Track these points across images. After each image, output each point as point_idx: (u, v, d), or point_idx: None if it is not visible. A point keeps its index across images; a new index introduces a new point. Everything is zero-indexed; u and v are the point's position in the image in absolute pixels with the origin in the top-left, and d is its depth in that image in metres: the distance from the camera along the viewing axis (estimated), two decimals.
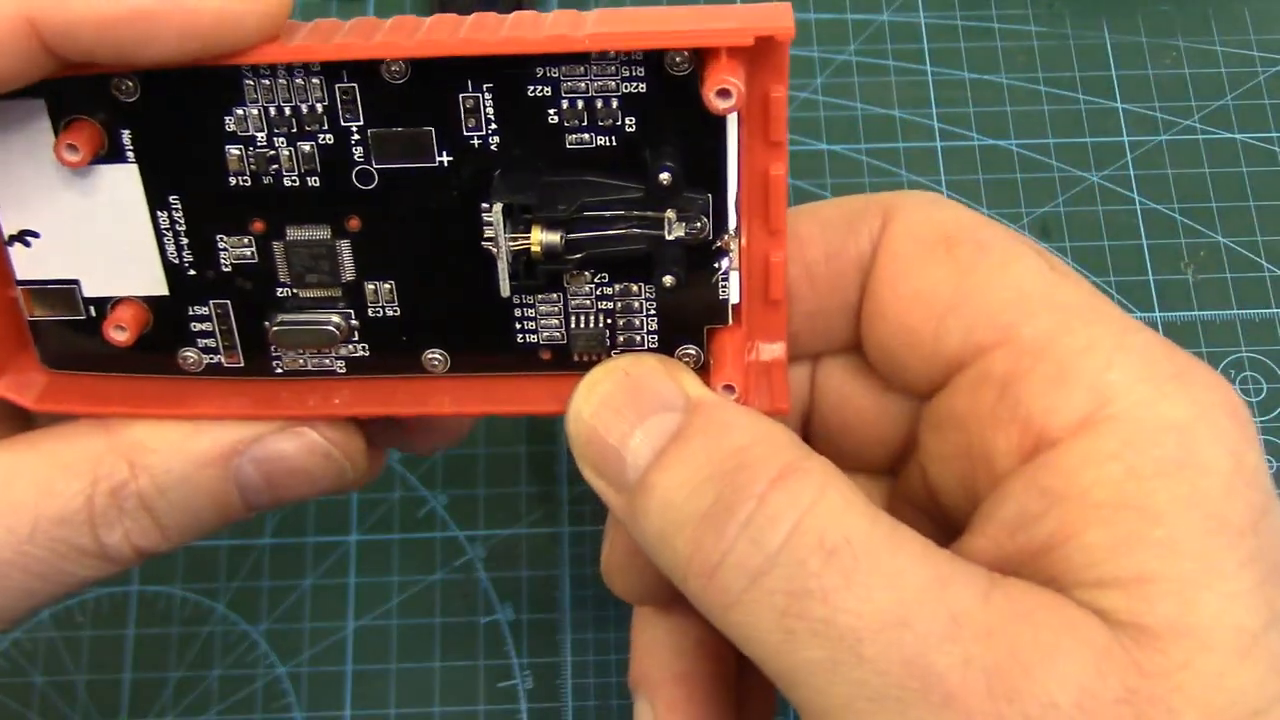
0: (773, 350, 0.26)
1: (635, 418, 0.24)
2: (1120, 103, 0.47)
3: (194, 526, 0.26)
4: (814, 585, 0.20)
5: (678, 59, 0.23)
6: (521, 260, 0.24)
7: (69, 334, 0.26)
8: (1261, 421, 0.43)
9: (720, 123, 0.23)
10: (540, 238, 0.23)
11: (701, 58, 0.23)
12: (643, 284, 0.25)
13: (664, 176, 0.23)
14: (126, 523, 0.25)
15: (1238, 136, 0.47)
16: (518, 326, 0.26)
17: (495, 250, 0.24)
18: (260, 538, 0.42)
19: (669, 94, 0.23)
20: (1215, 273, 0.45)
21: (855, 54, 0.48)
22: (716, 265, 0.24)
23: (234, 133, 0.24)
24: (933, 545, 0.21)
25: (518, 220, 0.24)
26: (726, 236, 0.24)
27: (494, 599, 0.41)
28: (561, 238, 0.24)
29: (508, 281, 0.24)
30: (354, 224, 0.25)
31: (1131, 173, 0.46)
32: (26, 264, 0.25)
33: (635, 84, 0.23)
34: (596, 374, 0.25)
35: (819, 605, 0.20)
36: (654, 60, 0.23)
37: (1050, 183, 0.46)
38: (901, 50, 0.49)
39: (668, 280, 0.24)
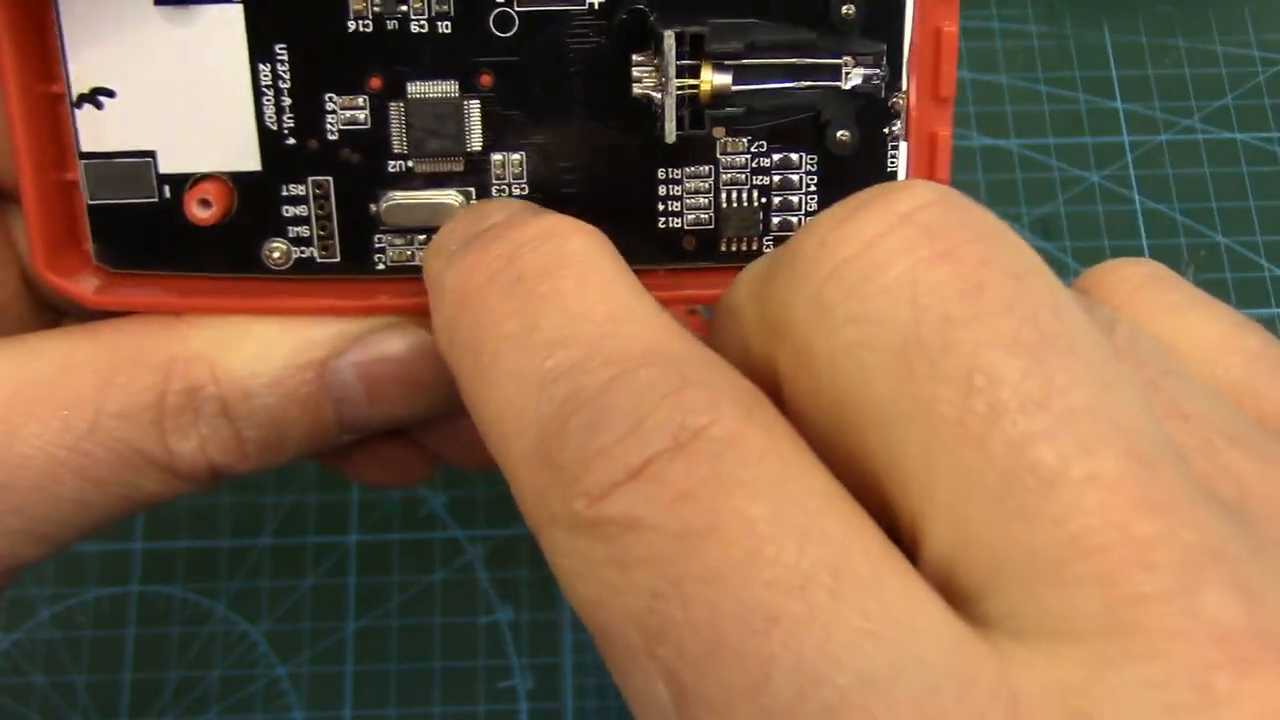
0: None
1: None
2: (1120, 103, 0.47)
3: (277, 444, 0.22)
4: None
5: None
6: (686, 106, 0.21)
7: (134, 222, 0.22)
8: None
9: None
10: (710, 77, 0.21)
11: None
12: (804, 153, 0.22)
13: (846, 8, 0.21)
14: (203, 429, 0.21)
15: (1238, 136, 0.47)
16: (661, 208, 0.23)
17: (662, 87, 0.21)
18: (260, 538, 0.42)
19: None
20: (1215, 273, 0.45)
21: None
22: (887, 130, 0.22)
23: None
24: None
25: (681, 60, 0.21)
26: (900, 95, 0.22)
27: (494, 599, 0.41)
28: (731, 79, 0.21)
29: (673, 125, 0.21)
30: (485, 80, 0.22)
31: (1132, 173, 0.46)
32: (95, 132, 0.22)
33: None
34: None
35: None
36: None
37: (1050, 183, 0.46)
38: None
39: (842, 135, 0.22)
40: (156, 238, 0.23)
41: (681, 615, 0.13)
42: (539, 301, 0.17)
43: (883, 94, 0.22)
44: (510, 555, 0.42)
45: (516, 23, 0.22)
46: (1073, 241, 0.46)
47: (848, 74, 0.22)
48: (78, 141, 0.22)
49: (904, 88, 0.22)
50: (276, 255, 0.23)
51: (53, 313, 0.25)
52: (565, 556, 0.15)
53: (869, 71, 0.22)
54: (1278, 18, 0.49)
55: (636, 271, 0.22)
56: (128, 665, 0.40)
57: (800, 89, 0.22)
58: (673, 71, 0.21)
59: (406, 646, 0.40)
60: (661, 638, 0.13)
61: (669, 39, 0.21)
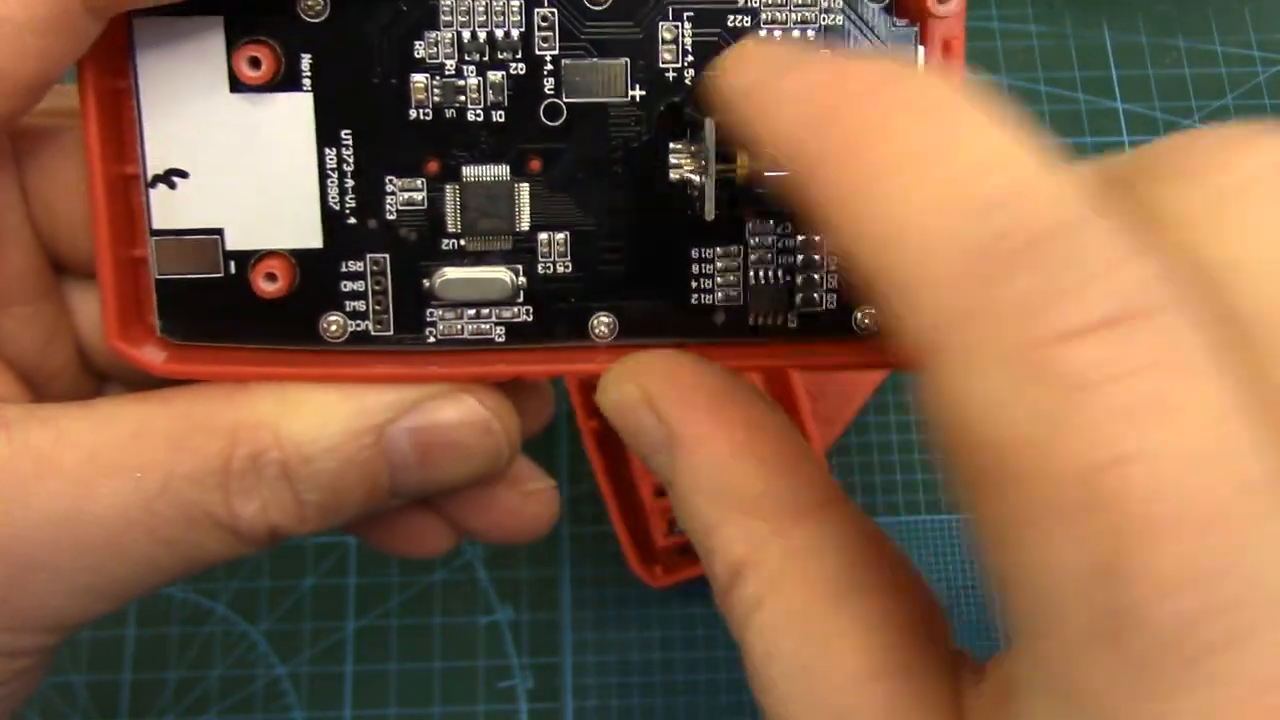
0: None
1: None
2: (1120, 103, 0.47)
3: (335, 507, 0.23)
4: None
5: None
6: (723, 188, 0.23)
7: (199, 296, 0.24)
8: None
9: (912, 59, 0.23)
10: (748, 163, 0.23)
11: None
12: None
13: None
14: (265, 492, 0.22)
15: None
16: (694, 284, 0.24)
17: (703, 170, 0.23)
18: None
19: (866, 27, 0.23)
20: None
21: None
22: None
23: (422, 59, 0.23)
24: None
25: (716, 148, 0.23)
26: None
27: (494, 599, 0.41)
28: (765, 164, 0.22)
29: (712, 204, 0.23)
30: (535, 165, 0.23)
31: None
32: (167, 210, 0.23)
33: (833, 15, 0.23)
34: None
35: None
36: None
37: None
38: None
39: None
40: (218, 311, 0.24)
41: (1142, 487, 0.12)
42: (953, 123, 0.15)
43: None
44: (510, 555, 0.42)
45: (564, 113, 0.23)
46: None
47: None
48: (150, 219, 0.23)
49: None
50: (334, 328, 0.24)
51: (99, 379, 0.26)
52: (984, 385, 0.14)
53: None
54: (1278, 18, 0.49)
55: (672, 345, 0.24)
56: (128, 665, 0.40)
57: None
58: (713, 155, 0.22)
59: (406, 646, 0.40)
60: (1108, 504, 0.13)
61: (710, 125, 0.22)
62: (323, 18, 0.22)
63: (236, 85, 0.23)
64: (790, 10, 0.23)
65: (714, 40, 0.23)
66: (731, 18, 0.23)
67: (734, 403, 0.22)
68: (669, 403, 0.22)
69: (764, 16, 0.23)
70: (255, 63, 0.22)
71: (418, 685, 0.40)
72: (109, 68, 0.22)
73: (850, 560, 0.20)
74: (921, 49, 0.23)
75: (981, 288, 0.14)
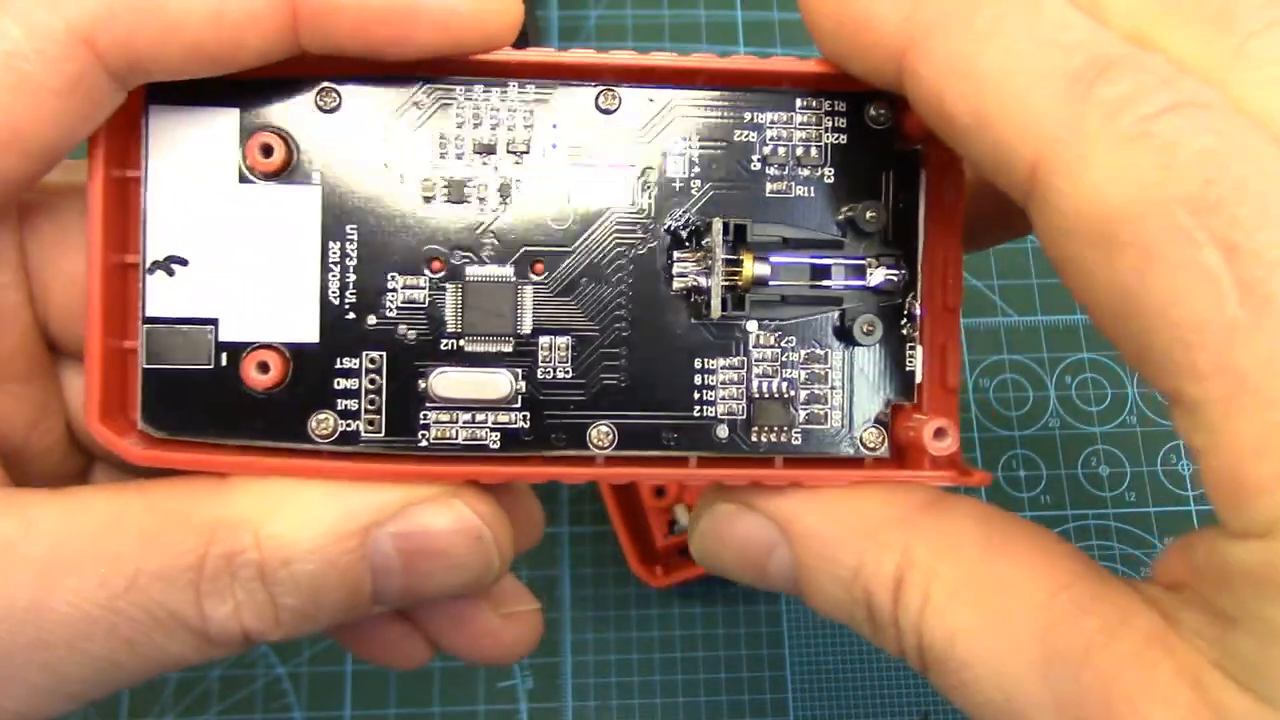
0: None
1: None
2: None
3: (313, 613, 0.22)
4: None
5: (878, 112, 0.24)
6: (727, 291, 0.23)
7: (186, 390, 0.23)
8: None
9: (915, 181, 0.24)
10: (751, 265, 0.23)
11: (899, 110, 0.23)
12: (831, 350, 0.24)
13: (870, 214, 0.23)
14: (239, 594, 0.21)
15: None
16: (696, 397, 0.24)
17: (709, 269, 0.23)
18: None
19: (867, 147, 0.24)
20: None
21: None
22: (905, 330, 0.24)
23: (431, 157, 0.23)
24: None
25: (725, 247, 0.24)
26: (915, 300, 0.24)
27: None
28: (771, 269, 0.23)
29: (718, 301, 0.23)
30: (539, 268, 0.24)
31: None
32: (162, 297, 0.23)
33: (837, 134, 0.24)
34: None
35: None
36: (855, 111, 0.24)
37: None
38: None
39: (866, 325, 0.24)
40: (204, 405, 0.23)
41: (1232, 194, 0.17)
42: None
43: (900, 296, 0.24)
44: None
45: (570, 218, 0.24)
46: None
47: (871, 272, 0.24)
48: (143, 307, 0.23)
49: (918, 294, 0.24)
50: (323, 428, 0.23)
51: (87, 457, 0.25)
52: (1104, 162, 0.18)
53: (890, 271, 0.24)
54: None
55: (672, 460, 0.24)
56: None
57: (828, 287, 0.24)
58: (720, 253, 0.23)
59: None
60: (1215, 211, 0.17)
61: (717, 225, 0.23)
62: (336, 110, 0.23)
63: (245, 176, 0.23)
64: (795, 127, 0.24)
65: (720, 154, 0.24)
66: (739, 133, 0.24)
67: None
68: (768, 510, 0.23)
69: (769, 133, 0.24)
70: (268, 150, 0.22)
71: (418, 685, 0.40)
72: (120, 154, 0.22)
73: (984, 524, 0.21)
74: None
75: (1084, 95, 0.18)
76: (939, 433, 0.23)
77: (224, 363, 0.23)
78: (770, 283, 0.23)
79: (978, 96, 0.19)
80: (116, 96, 0.21)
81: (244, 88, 0.22)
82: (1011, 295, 0.47)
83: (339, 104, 0.23)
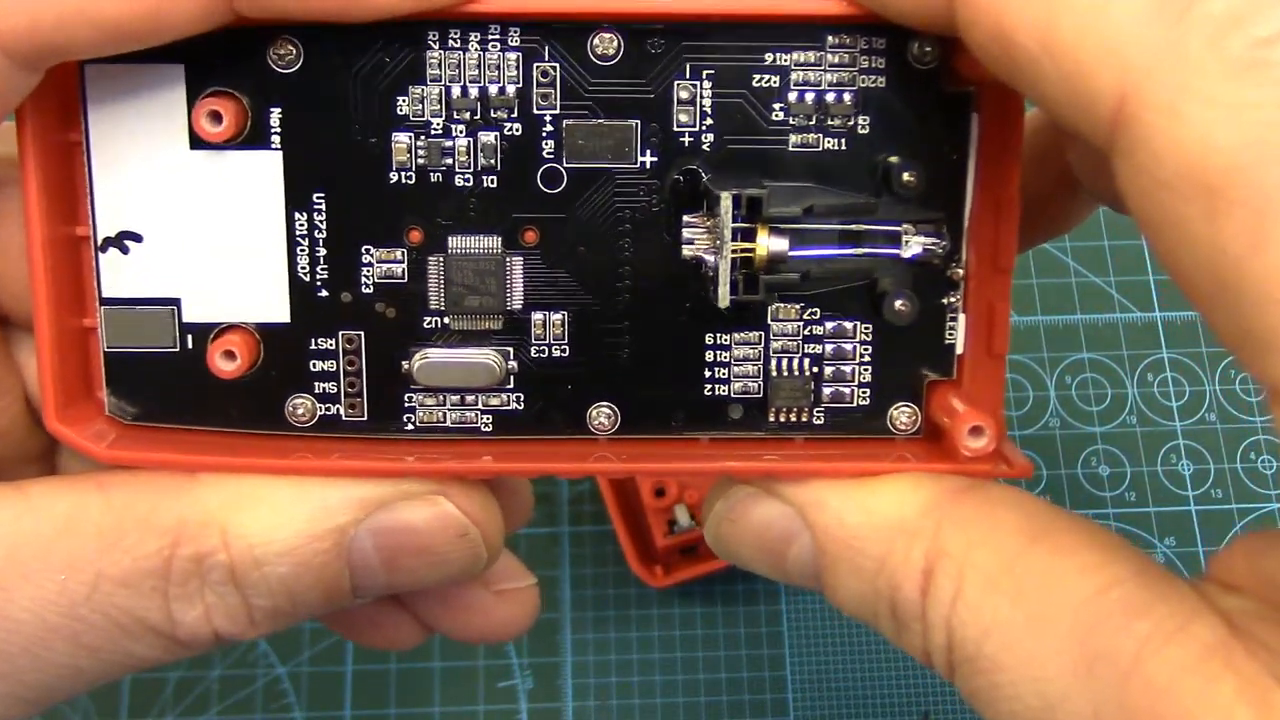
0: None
1: None
2: None
3: (287, 612, 0.21)
4: None
5: (924, 49, 0.20)
6: (740, 270, 0.21)
7: (152, 372, 0.21)
8: (1262, 422, 0.43)
9: (965, 129, 0.20)
10: (766, 242, 0.20)
11: (948, 48, 0.20)
12: (859, 322, 0.22)
13: (908, 176, 0.20)
14: (209, 597, 0.20)
15: None
16: (708, 374, 0.22)
17: (716, 250, 0.20)
18: None
19: (909, 91, 0.20)
20: None
21: None
22: (945, 300, 0.21)
23: (405, 116, 0.20)
24: None
25: (737, 222, 0.21)
26: (959, 265, 0.21)
27: None
28: (788, 245, 0.20)
29: (727, 289, 0.20)
30: (530, 237, 0.21)
31: None
32: (118, 277, 0.21)
33: (874, 77, 0.20)
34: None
35: None
36: (895, 49, 0.20)
37: None
38: None
39: (901, 305, 0.21)
40: (174, 390, 0.21)
41: None
42: None
43: (942, 263, 0.21)
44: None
45: (565, 179, 0.21)
46: (1073, 242, 0.45)
47: (907, 242, 0.21)
48: (99, 286, 0.21)
49: (963, 258, 0.21)
50: (301, 412, 0.22)
51: (49, 437, 0.23)
52: (1209, 98, 0.15)
53: (929, 240, 0.21)
54: None
55: (679, 440, 0.22)
56: None
57: (857, 256, 0.21)
58: (729, 234, 0.20)
59: None
60: None
61: (726, 201, 0.20)
62: (295, 68, 0.20)
63: (198, 141, 0.20)
64: (825, 70, 0.21)
65: (737, 102, 0.21)
66: (758, 77, 0.20)
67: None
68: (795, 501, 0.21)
69: (794, 77, 0.20)
70: (216, 117, 0.20)
71: (418, 685, 0.40)
72: (57, 117, 0.20)
73: (1025, 512, 0.19)
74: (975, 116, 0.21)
75: (1182, 12, 0.15)
76: (975, 431, 0.20)
77: (190, 345, 0.21)
78: (791, 256, 0.20)
79: (1048, 16, 0.16)
80: (30, 79, 0.19)
81: (190, 42, 0.19)
82: (1012, 295, 0.47)
83: (297, 57, 0.20)
